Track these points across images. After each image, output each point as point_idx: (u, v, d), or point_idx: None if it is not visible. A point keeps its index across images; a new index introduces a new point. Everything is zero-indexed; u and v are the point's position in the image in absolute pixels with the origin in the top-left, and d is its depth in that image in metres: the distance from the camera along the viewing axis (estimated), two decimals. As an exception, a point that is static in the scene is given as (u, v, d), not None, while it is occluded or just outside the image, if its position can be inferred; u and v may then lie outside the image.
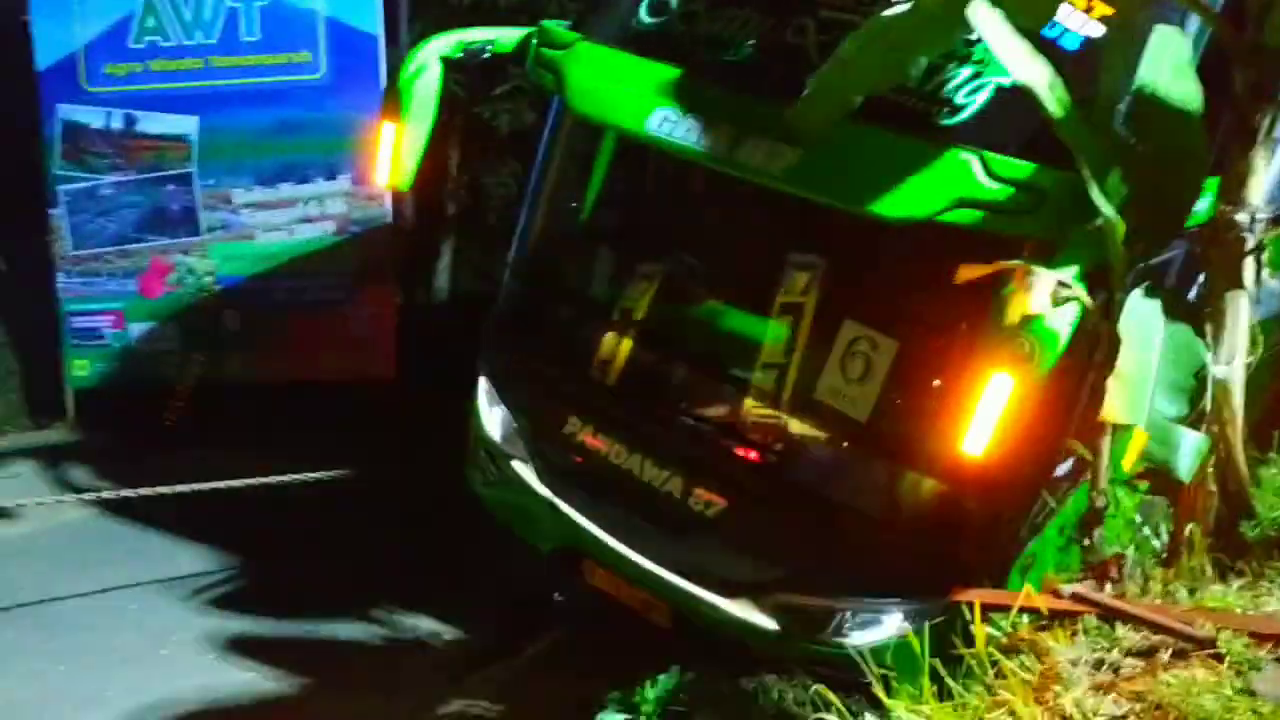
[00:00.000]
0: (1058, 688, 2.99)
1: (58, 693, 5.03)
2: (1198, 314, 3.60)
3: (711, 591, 4.44)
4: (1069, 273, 3.24)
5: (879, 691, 3.27)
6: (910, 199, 3.72)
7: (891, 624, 4.16)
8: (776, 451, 4.45)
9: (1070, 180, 3.47)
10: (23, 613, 5.73)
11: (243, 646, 5.47)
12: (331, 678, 5.26)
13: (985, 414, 3.47)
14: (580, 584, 5.01)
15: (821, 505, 4.35)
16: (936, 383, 4.02)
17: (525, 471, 5.02)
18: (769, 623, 4.35)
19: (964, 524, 4.09)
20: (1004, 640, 3.42)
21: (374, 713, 5.05)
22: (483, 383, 5.29)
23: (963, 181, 3.68)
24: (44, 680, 5.13)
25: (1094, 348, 3.47)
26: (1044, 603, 3.40)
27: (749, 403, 4.50)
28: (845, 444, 4.38)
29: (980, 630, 3.40)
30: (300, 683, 5.21)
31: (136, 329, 8.31)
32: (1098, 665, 3.07)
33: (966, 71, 3.87)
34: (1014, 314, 3.22)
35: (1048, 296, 3.17)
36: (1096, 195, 3.17)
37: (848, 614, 4.26)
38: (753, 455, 4.50)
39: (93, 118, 8.11)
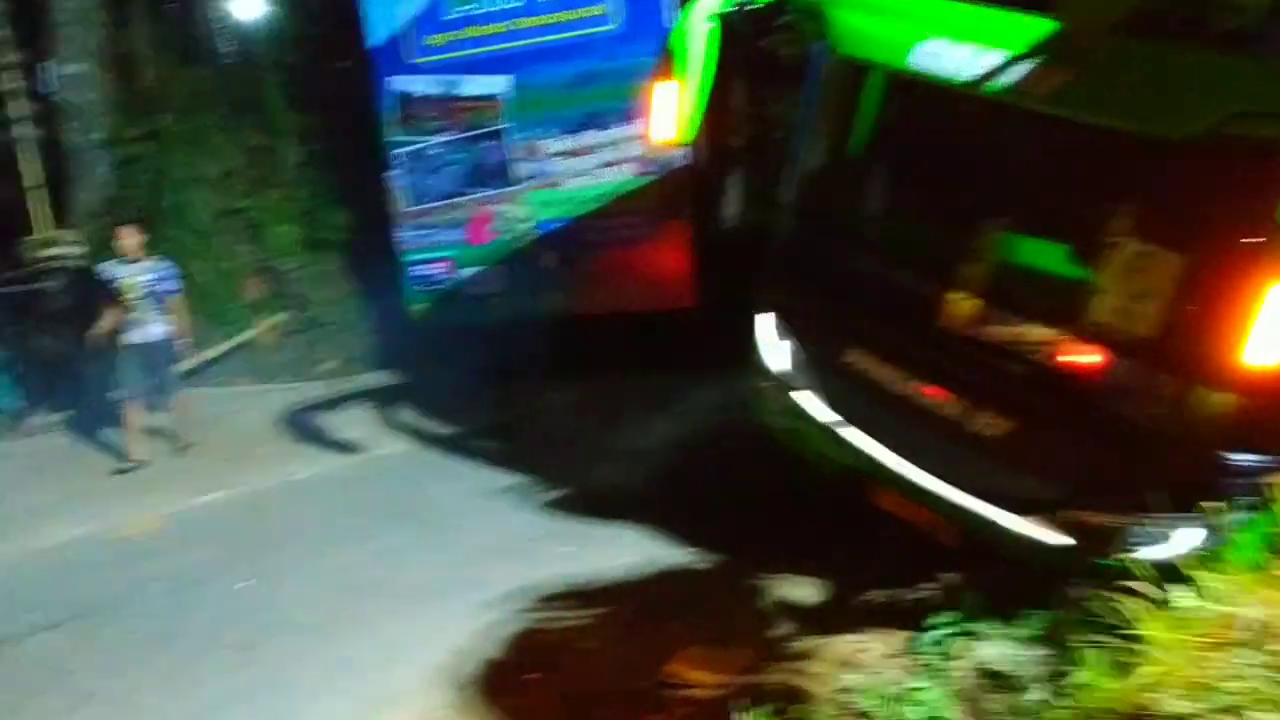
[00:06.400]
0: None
1: (446, 579, 5.81)
2: None
3: (1000, 510, 4.44)
4: None
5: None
6: (1189, 113, 3.58)
7: (1181, 539, 3.95)
8: (1058, 371, 4.35)
9: None
10: (406, 517, 6.66)
11: (595, 539, 6.08)
12: (673, 567, 5.78)
13: (1268, 324, 3.45)
14: (868, 506, 5.07)
15: (1107, 422, 4.22)
16: (1220, 295, 3.77)
17: (810, 401, 5.16)
18: (1058, 540, 4.29)
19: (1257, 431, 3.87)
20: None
21: (720, 582, 5.48)
22: (763, 318, 5.43)
23: (1244, 90, 3.54)
24: (433, 569, 5.95)
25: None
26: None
27: (1028, 324, 4.44)
28: (1128, 360, 4.19)
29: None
30: (650, 571, 5.72)
31: (466, 274, 9.27)
32: None
33: None
34: None
35: None
36: None
37: (1136, 530, 4.12)
38: (1034, 376, 4.41)
39: (418, 86, 9.11)
